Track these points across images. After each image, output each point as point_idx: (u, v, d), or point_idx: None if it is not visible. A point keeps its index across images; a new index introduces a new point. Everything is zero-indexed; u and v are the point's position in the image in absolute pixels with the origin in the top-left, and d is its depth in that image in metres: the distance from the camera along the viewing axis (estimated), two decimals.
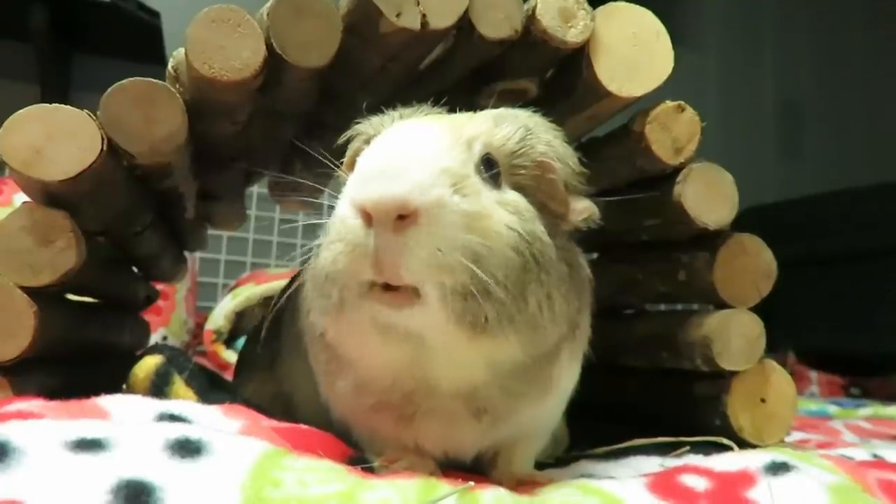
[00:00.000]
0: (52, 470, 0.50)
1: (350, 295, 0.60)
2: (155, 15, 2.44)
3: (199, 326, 2.41)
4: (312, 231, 0.66)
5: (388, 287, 0.59)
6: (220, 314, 2.29)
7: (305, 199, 0.85)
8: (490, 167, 0.65)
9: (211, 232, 1.47)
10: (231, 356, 2.16)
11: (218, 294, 2.73)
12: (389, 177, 0.57)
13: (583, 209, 0.71)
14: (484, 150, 0.66)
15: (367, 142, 0.71)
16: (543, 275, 0.64)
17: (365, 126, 0.74)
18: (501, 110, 0.71)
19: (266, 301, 2.24)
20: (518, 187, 0.67)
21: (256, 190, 2.55)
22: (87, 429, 0.55)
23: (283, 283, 1.63)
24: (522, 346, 0.64)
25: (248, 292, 2.32)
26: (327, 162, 0.72)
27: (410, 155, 0.60)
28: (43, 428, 0.55)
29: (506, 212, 0.63)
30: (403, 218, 0.57)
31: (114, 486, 0.49)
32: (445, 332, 0.60)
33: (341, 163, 0.75)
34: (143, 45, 2.42)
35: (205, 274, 2.79)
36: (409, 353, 0.63)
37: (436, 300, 0.58)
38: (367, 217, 0.57)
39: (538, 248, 0.64)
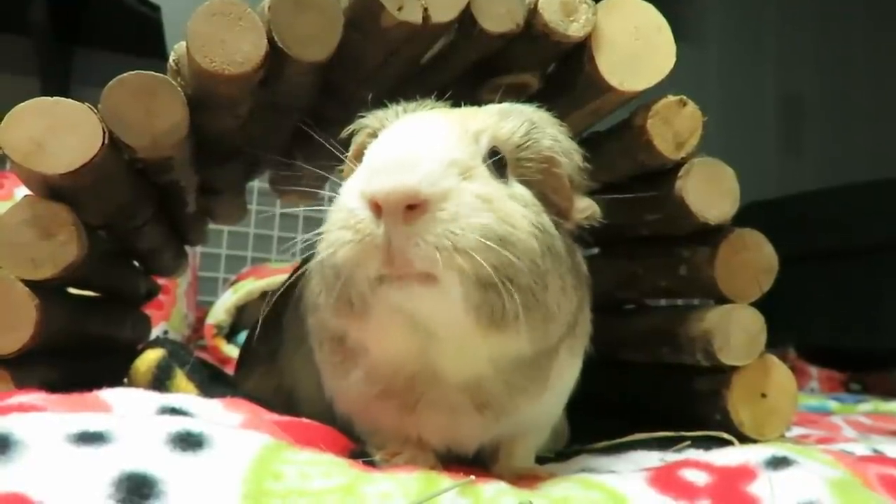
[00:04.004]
0: (54, 462, 0.50)
1: (370, 292, 0.60)
2: (155, 9, 2.43)
3: (200, 321, 2.41)
4: (313, 225, 0.66)
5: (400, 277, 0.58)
6: (221, 308, 2.29)
7: (307, 190, 0.85)
8: (497, 161, 0.66)
9: (211, 226, 1.47)
10: (232, 350, 2.17)
11: (219, 288, 2.73)
12: (399, 168, 0.57)
13: (585, 207, 0.71)
14: (490, 143, 0.66)
15: (372, 135, 0.71)
16: (557, 266, 0.64)
17: (369, 119, 0.74)
18: (506, 105, 0.72)
19: (266, 295, 2.23)
20: (523, 181, 0.68)
21: (257, 184, 2.55)
22: (89, 422, 0.55)
23: (283, 277, 1.63)
24: (532, 340, 0.64)
25: (249, 287, 2.32)
26: (333, 150, 0.72)
27: (419, 147, 0.60)
28: (45, 421, 0.55)
29: (515, 203, 0.63)
30: (413, 208, 0.57)
31: (116, 479, 0.49)
32: (459, 323, 0.60)
33: (344, 156, 0.75)
34: (143, 39, 2.41)
35: (205, 268, 2.79)
36: (418, 341, 0.63)
37: (456, 287, 0.58)
38: (377, 208, 0.57)
39: (549, 239, 0.64)
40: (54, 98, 0.76)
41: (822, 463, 0.68)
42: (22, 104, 0.75)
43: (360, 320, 0.63)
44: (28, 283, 0.75)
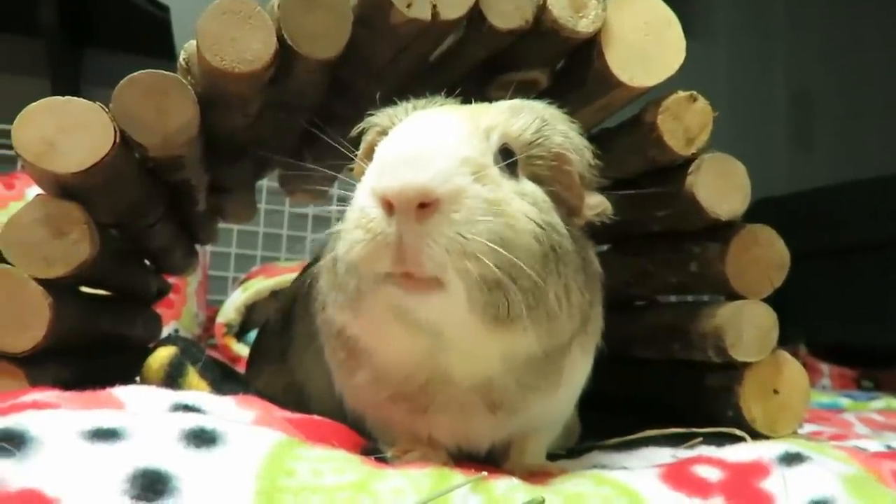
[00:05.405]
0: (69, 459, 0.50)
1: (368, 285, 0.60)
2: (164, 9, 2.44)
3: (210, 320, 2.42)
4: (322, 224, 0.66)
5: (407, 276, 0.59)
6: (231, 307, 2.30)
7: (316, 189, 0.86)
8: (507, 158, 0.65)
9: (221, 225, 1.47)
10: (242, 349, 2.17)
11: (228, 287, 2.73)
12: (411, 166, 0.57)
13: (596, 204, 0.71)
14: (501, 140, 0.66)
15: (382, 133, 0.71)
16: (562, 266, 0.64)
17: (379, 117, 0.74)
18: (517, 101, 0.71)
19: (276, 294, 2.25)
20: (534, 178, 0.68)
21: (266, 183, 2.55)
22: (103, 418, 0.56)
23: (293, 276, 1.63)
24: (539, 338, 0.64)
25: (259, 285, 2.32)
26: (342, 149, 0.72)
27: (431, 144, 0.60)
28: (60, 418, 0.55)
29: (524, 202, 0.63)
30: (425, 206, 0.57)
31: (130, 475, 0.49)
32: (465, 324, 0.60)
33: (354, 154, 0.75)
34: (152, 40, 2.42)
35: (215, 267, 2.80)
36: (427, 345, 0.63)
37: (460, 290, 0.58)
38: (389, 206, 0.57)
39: (556, 238, 0.64)
40: (65, 97, 0.76)
41: (836, 459, 0.68)
42: (33, 104, 0.76)
43: (366, 319, 0.63)
44: (41, 281, 0.76)
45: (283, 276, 2.29)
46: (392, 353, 0.66)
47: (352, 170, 0.76)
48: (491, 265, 0.57)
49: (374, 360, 0.68)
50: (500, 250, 0.58)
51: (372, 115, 0.75)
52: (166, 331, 1.66)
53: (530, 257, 0.61)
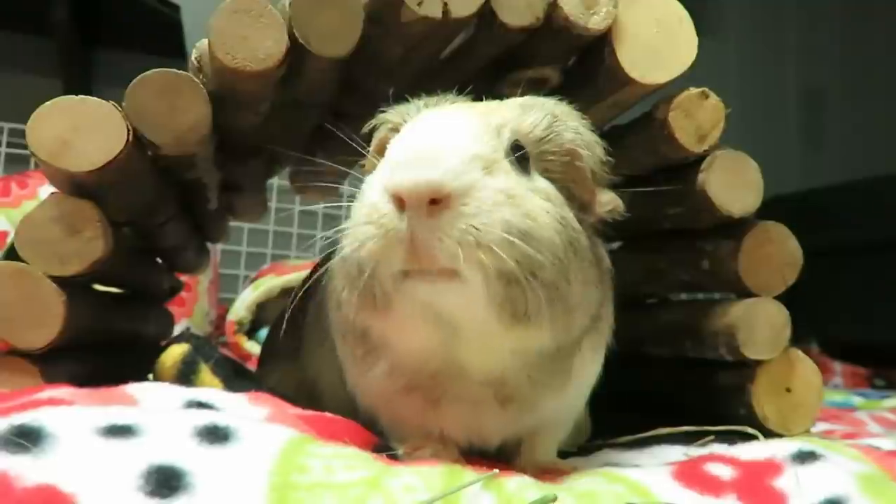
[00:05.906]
0: (84, 455, 0.51)
1: (391, 285, 0.60)
2: (175, 8, 2.45)
3: (221, 318, 2.43)
4: (333, 222, 0.66)
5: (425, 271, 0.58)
6: (242, 305, 2.31)
7: (326, 187, 0.86)
8: (519, 154, 0.65)
9: (232, 223, 1.48)
10: (253, 347, 2.18)
11: (239, 285, 2.74)
12: (423, 163, 0.58)
13: (608, 201, 0.71)
14: (513, 136, 0.66)
15: (394, 130, 0.71)
16: (579, 260, 0.64)
17: (390, 114, 0.74)
18: (528, 98, 0.71)
19: (286, 292, 2.25)
20: (546, 174, 0.68)
21: (277, 181, 2.56)
22: (118, 415, 0.56)
23: (303, 273, 1.64)
24: (554, 334, 0.64)
25: (269, 283, 2.33)
26: (355, 145, 0.73)
27: (442, 141, 0.60)
28: (74, 414, 0.56)
29: (538, 197, 0.63)
30: (436, 203, 0.57)
31: (145, 471, 0.49)
32: (481, 318, 0.60)
33: (365, 150, 0.75)
34: (163, 39, 2.44)
35: (226, 265, 2.81)
36: (443, 335, 0.63)
37: (478, 282, 0.58)
38: (401, 202, 0.57)
39: (572, 233, 0.64)
40: (80, 97, 0.77)
41: (850, 457, 0.68)
42: (48, 103, 0.76)
43: (383, 315, 0.63)
44: (55, 279, 0.76)
45: (294, 274, 2.29)
46: (411, 345, 0.66)
47: (363, 166, 0.76)
48: (506, 258, 0.57)
49: (391, 351, 0.68)
50: (518, 242, 0.58)
51: (383, 111, 0.75)
52: (178, 329, 1.67)
53: (552, 249, 0.61)
